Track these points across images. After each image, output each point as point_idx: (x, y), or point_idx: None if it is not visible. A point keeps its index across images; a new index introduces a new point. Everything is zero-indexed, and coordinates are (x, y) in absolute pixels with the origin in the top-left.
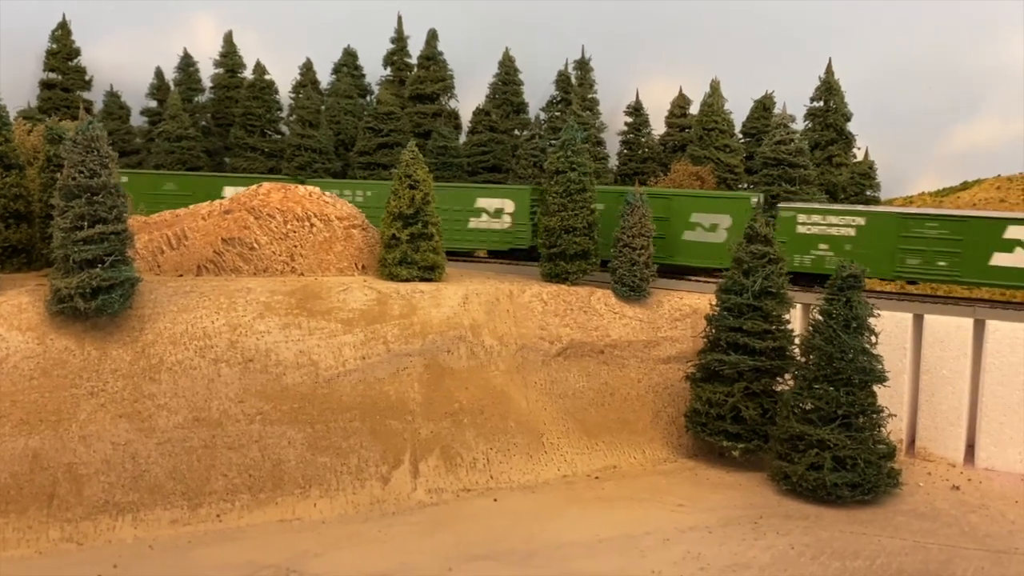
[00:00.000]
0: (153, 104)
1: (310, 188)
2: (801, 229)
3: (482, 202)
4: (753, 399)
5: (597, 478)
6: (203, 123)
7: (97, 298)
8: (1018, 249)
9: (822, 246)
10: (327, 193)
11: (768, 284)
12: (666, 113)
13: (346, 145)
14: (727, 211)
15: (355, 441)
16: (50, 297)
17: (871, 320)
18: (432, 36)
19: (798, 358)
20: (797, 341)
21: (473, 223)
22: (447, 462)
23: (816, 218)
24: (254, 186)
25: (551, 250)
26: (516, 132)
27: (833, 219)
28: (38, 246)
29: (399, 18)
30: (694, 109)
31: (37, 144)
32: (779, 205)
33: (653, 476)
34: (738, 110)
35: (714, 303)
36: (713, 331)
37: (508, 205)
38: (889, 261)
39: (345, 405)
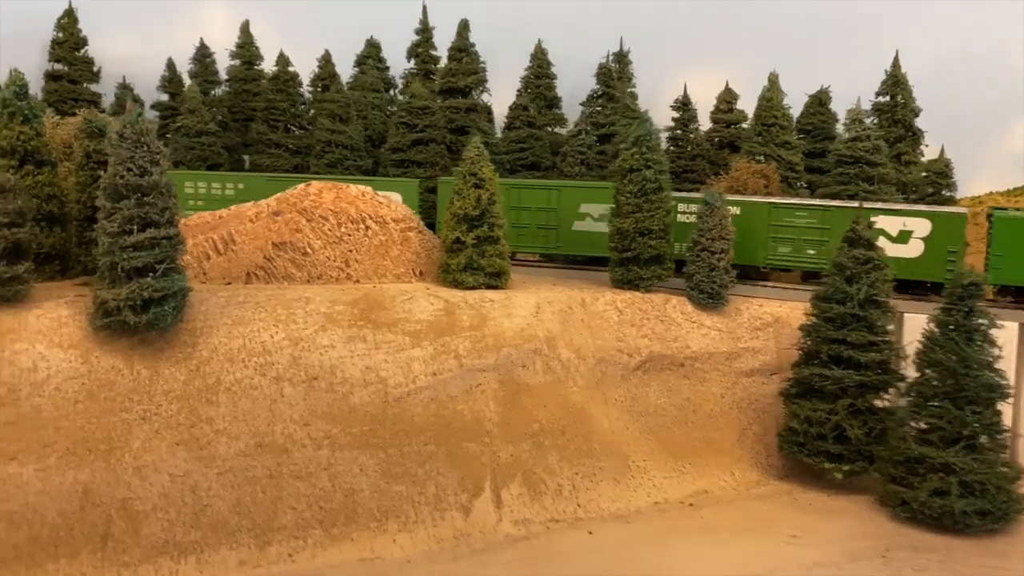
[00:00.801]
0: (164, 98)
1: (362, 188)
2: (681, 218)
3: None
4: (857, 417)
5: (691, 504)
6: (219, 118)
7: (148, 311)
8: (880, 238)
9: None
10: (380, 193)
11: (873, 292)
12: (711, 109)
13: (373, 141)
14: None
15: (431, 467)
16: (94, 310)
17: (993, 331)
18: (464, 27)
19: (902, 371)
20: (902, 353)
21: None
22: (531, 489)
23: (695, 207)
24: (302, 185)
25: (623, 254)
26: (550, 128)
27: (693, 208)
28: (74, 252)
29: (424, 8)
30: (741, 104)
31: (67, 138)
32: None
33: (750, 501)
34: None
35: (809, 312)
36: (810, 343)
37: (396, 198)
38: (762, 249)
39: (418, 426)
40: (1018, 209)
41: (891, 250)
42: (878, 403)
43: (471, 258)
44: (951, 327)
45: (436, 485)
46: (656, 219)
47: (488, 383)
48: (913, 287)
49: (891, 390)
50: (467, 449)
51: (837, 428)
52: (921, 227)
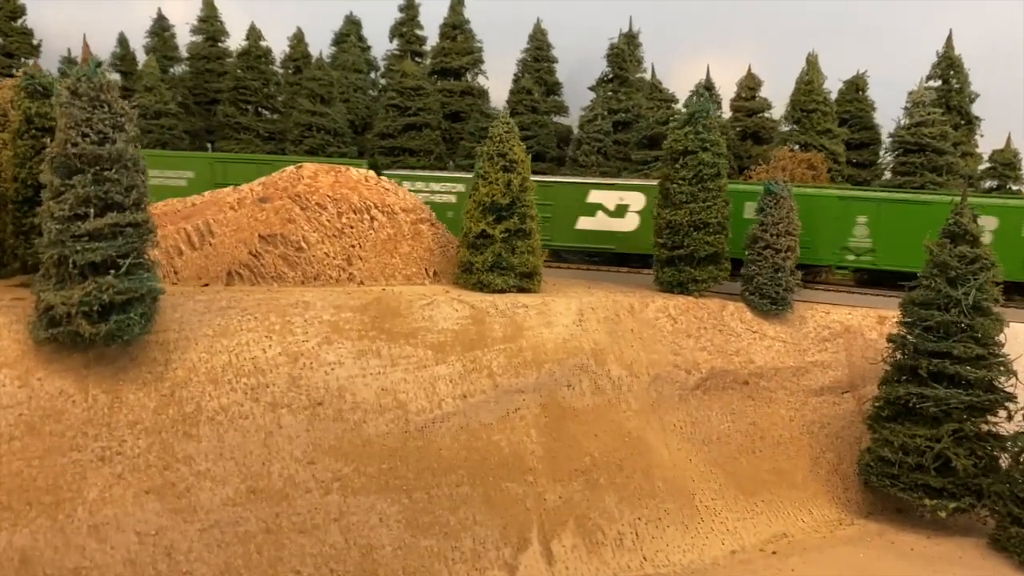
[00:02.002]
0: (116, 77)
1: (364, 172)
2: (436, 199)
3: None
4: (963, 444)
5: (774, 553)
6: (179, 99)
7: (109, 319)
8: (599, 213)
9: None
10: (384, 178)
11: (982, 296)
12: (731, 96)
13: (356, 127)
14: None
15: (465, 514)
16: (36, 318)
17: None
18: (458, 1)
19: (1009, 390)
20: (1011, 368)
21: None
22: (586, 539)
23: (420, 185)
24: (292, 167)
25: (674, 252)
26: (550, 116)
27: (436, 186)
28: (8, 243)
29: None
30: (764, 91)
31: (3, 102)
32: (383, 172)
33: (840, 547)
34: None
35: (900, 319)
36: (902, 356)
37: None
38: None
39: (447, 463)
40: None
41: (610, 224)
42: (984, 428)
43: (499, 255)
44: None
45: (473, 537)
46: (714, 210)
47: (528, 407)
48: (629, 260)
49: (1000, 413)
50: (508, 491)
51: (939, 457)
52: (636, 200)
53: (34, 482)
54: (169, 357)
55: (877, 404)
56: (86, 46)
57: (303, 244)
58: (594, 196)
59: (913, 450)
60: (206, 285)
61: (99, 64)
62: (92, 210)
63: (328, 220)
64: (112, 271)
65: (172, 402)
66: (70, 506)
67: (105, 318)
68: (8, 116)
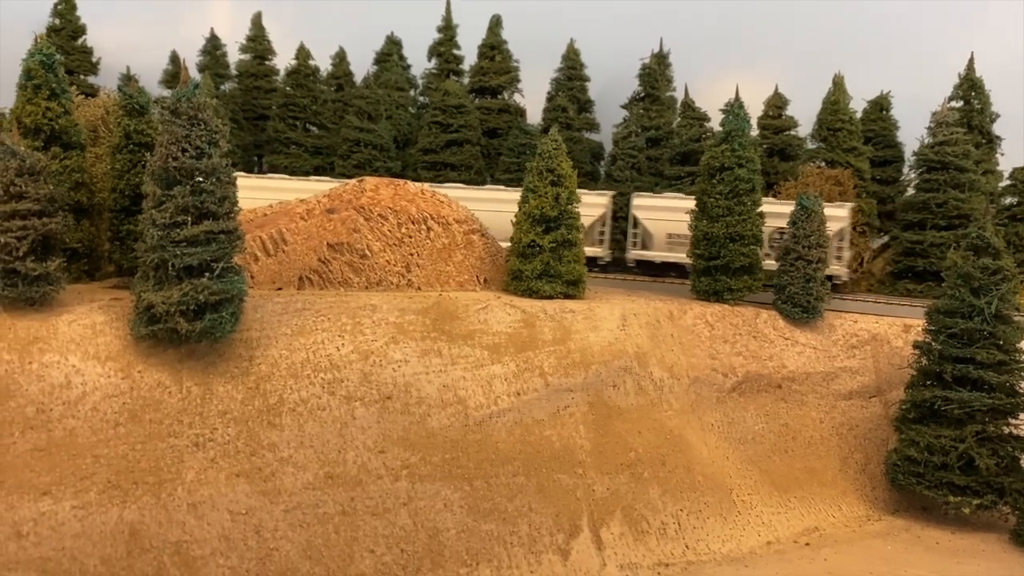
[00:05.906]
0: (167, 93)
1: (421, 185)
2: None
3: None
4: (986, 444)
5: (807, 545)
6: (229, 115)
7: (203, 317)
8: None
9: None
10: (439, 192)
11: (1003, 306)
12: (758, 115)
13: (398, 142)
14: None
15: (522, 502)
16: (135, 316)
17: None
18: (496, 23)
19: None
20: None
21: None
22: (632, 528)
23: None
24: (356, 180)
25: (711, 262)
26: (583, 133)
27: None
28: (105, 249)
29: (447, 4)
30: (791, 110)
31: (94, 119)
32: None
33: (868, 540)
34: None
35: (926, 327)
36: (927, 362)
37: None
38: None
39: (504, 455)
40: None
41: None
42: (1006, 430)
43: (548, 264)
44: None
45: (529, 523)
46: (749, 223)
47: (576, 405)
48: None
49: (1021, 415)
50: (559, 481)
51: (963, 457)
52: None
53: (138, 464)
54: (253, 354)
55: (904, 407)
56: (185, 69)
57: (367, 252)
58: None
59: (938, 450)
60: (279, 289)
61: (197, 86)
62: (190, 218)
63: (389, 230)
64: (206, 274)
65: (257, 394)
66: (171, 486)
67: (200, 316)
68: (98, 132)
